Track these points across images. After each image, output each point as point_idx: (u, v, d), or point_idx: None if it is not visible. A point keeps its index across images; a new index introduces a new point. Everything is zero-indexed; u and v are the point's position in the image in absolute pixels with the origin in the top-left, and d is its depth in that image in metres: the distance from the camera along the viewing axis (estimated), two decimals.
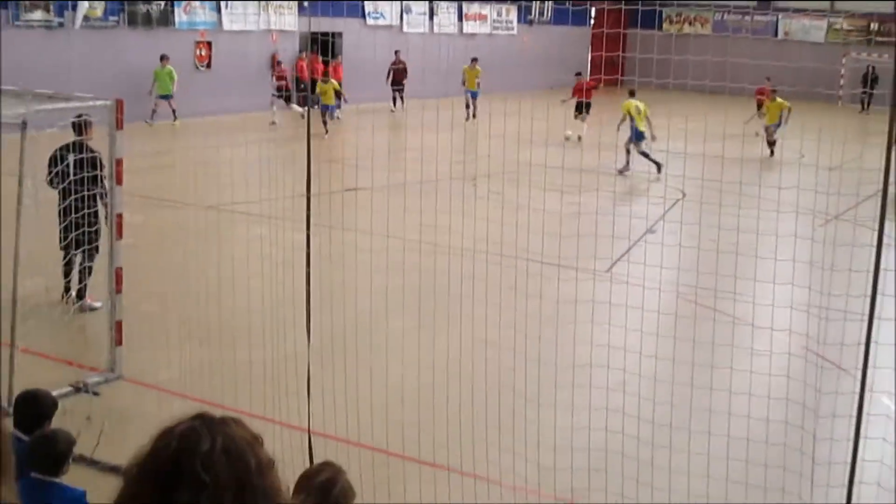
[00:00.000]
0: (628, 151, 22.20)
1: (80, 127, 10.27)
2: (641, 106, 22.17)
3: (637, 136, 22.03)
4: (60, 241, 10.48)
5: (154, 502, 2.25)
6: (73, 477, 5.26)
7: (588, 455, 6.98)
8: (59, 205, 10.20)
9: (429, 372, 8.13)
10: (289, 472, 3.65)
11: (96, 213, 10.48)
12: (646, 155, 21.74)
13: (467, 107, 30.60)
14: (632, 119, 21.96)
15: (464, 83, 31.37)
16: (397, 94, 32.23)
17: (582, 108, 27.53)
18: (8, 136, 8.13)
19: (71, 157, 10.04)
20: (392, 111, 31.73)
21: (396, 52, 31.44)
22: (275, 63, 29.23)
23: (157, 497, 2.25)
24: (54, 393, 6.56)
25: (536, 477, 7.21)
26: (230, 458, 2.29)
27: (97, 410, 7.84)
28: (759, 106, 28.15)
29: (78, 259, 10.78)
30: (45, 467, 5.09)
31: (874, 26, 41.16)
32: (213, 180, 19.17)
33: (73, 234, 9.90)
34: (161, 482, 2.26)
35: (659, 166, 20.92)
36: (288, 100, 28.88)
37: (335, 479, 4.02)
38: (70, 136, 10.28)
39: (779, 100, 24.90)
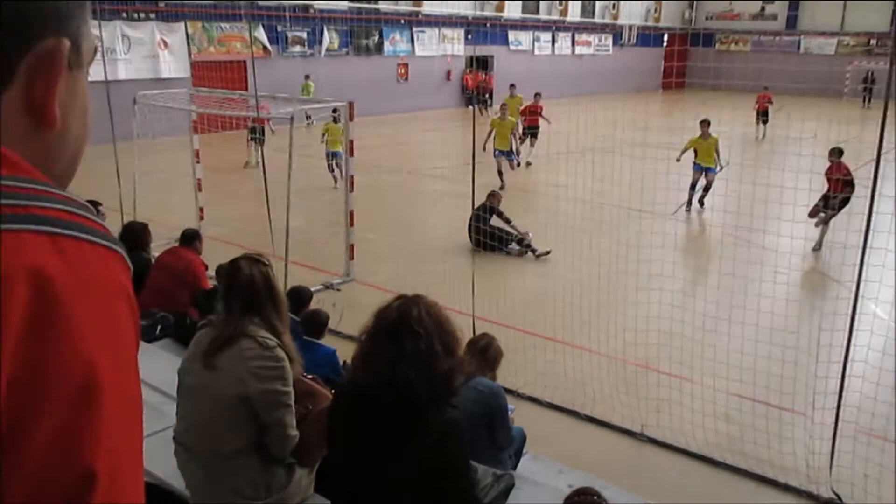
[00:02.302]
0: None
1: None
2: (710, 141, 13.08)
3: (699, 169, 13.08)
4: None
5: (387, 349, 2.40)
6: (325, 341, 5.50)
7: (658, 335, 6.89)
8: None
9: (558, 281, 8.13)
10: None
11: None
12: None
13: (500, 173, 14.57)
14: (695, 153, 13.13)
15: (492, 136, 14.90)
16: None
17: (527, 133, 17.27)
18: (280, 126, 8.40)
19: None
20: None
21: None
22: (464, 75, 28.99)
23: (391, 346, 2.39)
24: (311, 288, 6.84)
25: (623, 349, 7.17)
26: (430, 316, 2.42)
27: (339, 299, 8.16)
28: (763, 118, 22.62)
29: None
30: (312, 332, 5.29)
31: (873, 41, 38.13)
32: (412, 153, 19.43)
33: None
34: (392, 335, 2.40)
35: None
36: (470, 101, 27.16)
37: (491, 343, 4.10)
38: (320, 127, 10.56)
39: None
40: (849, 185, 10.04)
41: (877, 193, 4.95)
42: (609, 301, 7.74)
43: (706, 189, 12.92)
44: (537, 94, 18.12)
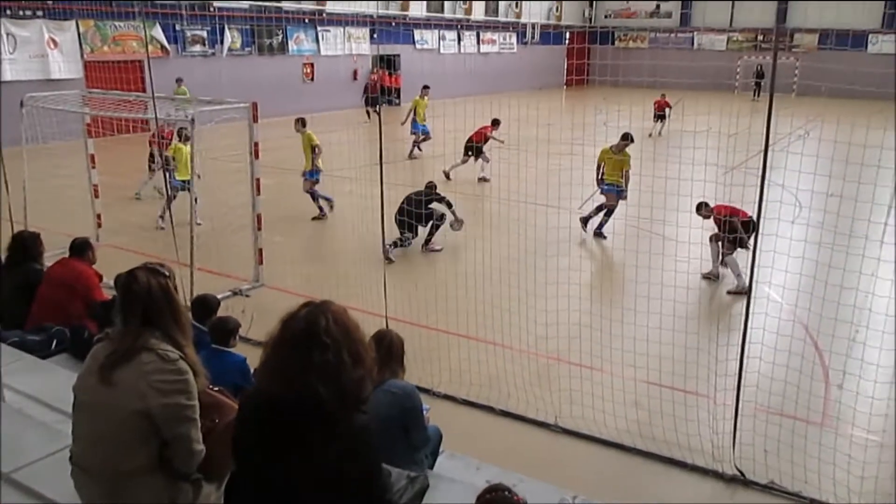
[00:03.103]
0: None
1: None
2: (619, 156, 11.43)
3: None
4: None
5: (295, 360, 2.33)
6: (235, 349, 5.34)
7: (568, 328, 7.01)
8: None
9: (469, 278, 8.17)
10: None
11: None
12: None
13: (415, 143, 18.76)
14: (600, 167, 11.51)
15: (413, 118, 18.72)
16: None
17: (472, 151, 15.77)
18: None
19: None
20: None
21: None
22: (369, 75, 28.63)
23: (298, 357, 2.33)
24: (219, 296, 6.64)
25: (535, 343, 7.27)
26: (338, 325, 2.36)
27: (249, 305, 7.96)
28: (659, 116, 23.29)
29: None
30: (220, 340, 5.14)
31: (760, 37, 40.11)
32: (326, 154, 19.14)
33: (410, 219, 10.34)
34: (300, 346, 2.33)
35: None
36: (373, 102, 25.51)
37: (391, 338, 4.05)
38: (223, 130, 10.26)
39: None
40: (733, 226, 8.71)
41: (766, 182, 5.18)
42: (520, 296, 7.83)
43: (607, 214, 11.25)
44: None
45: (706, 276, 9.21)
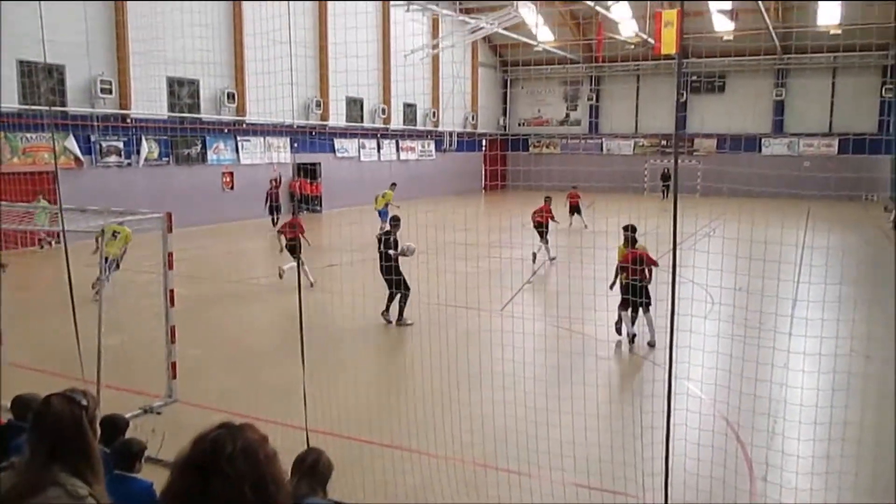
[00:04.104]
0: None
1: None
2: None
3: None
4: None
5: (194, 489, 2.15)
6: (143, 473, 5.02)
7: (494, 432, 6.89)
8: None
9: (392, 385, 8.00)
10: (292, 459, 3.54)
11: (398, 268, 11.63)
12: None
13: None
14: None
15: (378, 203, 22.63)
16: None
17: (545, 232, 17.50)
18: (91, 241, 7.89)
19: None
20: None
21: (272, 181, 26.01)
22: (290, 183, 28.87)
23: (197, 484, 2.16)
24: (128, 415, 6.28)
25: (461, 450, 7.09)
26: (247, 455, 2.20)
27: (160, 424, 7.54)
28: (572, 209, 24.37)
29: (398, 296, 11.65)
30: (124, 465, 4.87)
31: (663, 142, 42.52)
32: (237, 263, 18.88)
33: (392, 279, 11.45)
34: (199, 474, 2.16)
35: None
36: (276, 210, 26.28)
37: (318, 458, 3.88)
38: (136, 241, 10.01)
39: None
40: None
41: (677, 279, 5.32)
42: (443, 401, 7.70)
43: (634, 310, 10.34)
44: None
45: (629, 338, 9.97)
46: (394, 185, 23.79)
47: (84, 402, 2.87)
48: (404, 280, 11.66)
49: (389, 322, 11.43)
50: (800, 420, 6.25)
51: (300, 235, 14.92)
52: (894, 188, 32.32)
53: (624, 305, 9.82)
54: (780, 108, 39.81)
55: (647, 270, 9.96)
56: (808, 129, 38.86)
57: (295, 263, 15.52)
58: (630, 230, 10.46)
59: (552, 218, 17.88)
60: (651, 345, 9.72)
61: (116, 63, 23.29)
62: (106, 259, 10.26)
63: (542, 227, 17.46)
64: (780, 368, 6.57)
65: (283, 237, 15.60)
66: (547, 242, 17.38)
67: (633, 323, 9.85)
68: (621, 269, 9.68)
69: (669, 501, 5.33)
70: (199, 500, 2.11)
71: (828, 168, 36.23)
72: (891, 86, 35.50)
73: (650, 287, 9.76)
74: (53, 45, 19.36)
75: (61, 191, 7.94)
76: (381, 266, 11.96)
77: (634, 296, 9.46)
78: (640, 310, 9.87)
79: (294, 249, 14.92)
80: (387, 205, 22.09)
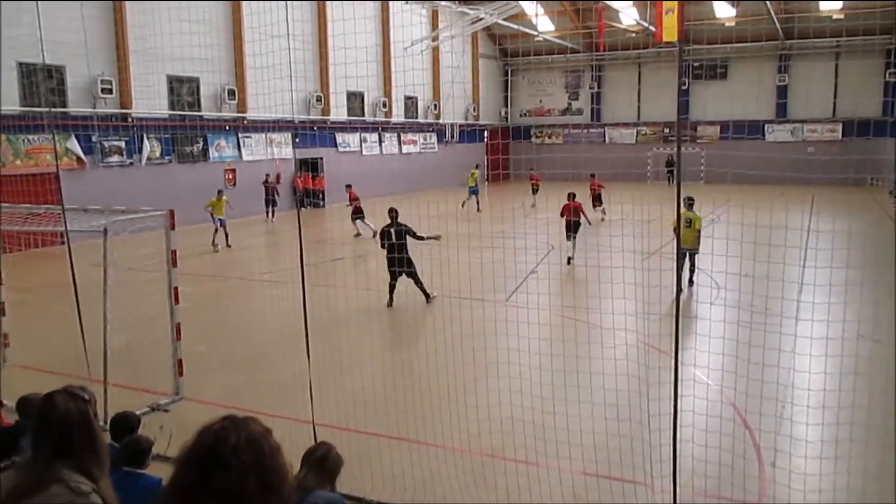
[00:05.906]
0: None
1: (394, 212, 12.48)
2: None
3: None
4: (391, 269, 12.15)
5: (196, 482, 2.14)
6: (151, 469, 5.04)
7: (501, 423, 6.89)
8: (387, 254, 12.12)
9: (398, 376, 8.00)
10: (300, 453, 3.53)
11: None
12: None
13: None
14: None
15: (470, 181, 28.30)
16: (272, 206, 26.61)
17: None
18: (94, 241, 7.90)
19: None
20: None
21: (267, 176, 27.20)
22: (293, 178, 28.82)
23: (198, 476, 2.14)
24: (137, 412, 6.29)
25: (468, 441, 7.09)
26: (250, 447, 2.18)
27: (167, 421, 7.56)
28: (595, 199, 23.39)
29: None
30: (133, 462, 4.88)
31: (666, 130, 42.37)
32: (242, 259, 18.90)
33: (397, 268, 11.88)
34: (201, 467, 2.15)
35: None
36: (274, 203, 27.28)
37: (328, 453, 3.89)
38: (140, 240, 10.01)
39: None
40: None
41: (683, 269, 5.31)
42: (450, 393, 7.70)
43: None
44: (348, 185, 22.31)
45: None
46: (477, 166, 30.99)
47: (86, 397, 2.87)
48: (408, 257, 12.13)
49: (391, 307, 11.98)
50: (808, 405, 6.23)
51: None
52: None
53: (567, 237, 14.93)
54: (783, 93, 39.60)
55: (581, 216, 15.80)
56: (812, 114, 38.64)
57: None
58: (688, 200, 11.59)
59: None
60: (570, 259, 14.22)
61: (116, 62, 23.26)
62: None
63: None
64: (787, 353, 6.55)
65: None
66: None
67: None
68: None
69: (678, 488, 5.33)
70: (204, 491, 2.10)
71: (832, 153, 36.10)
72: (895, 69, 35.29)
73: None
74: (53, 46, 19.38)
75: (64, 192, 7.94)
76: (392, 247, 12.08)
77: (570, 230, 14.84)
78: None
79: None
80: (476, 182, 28.09)
